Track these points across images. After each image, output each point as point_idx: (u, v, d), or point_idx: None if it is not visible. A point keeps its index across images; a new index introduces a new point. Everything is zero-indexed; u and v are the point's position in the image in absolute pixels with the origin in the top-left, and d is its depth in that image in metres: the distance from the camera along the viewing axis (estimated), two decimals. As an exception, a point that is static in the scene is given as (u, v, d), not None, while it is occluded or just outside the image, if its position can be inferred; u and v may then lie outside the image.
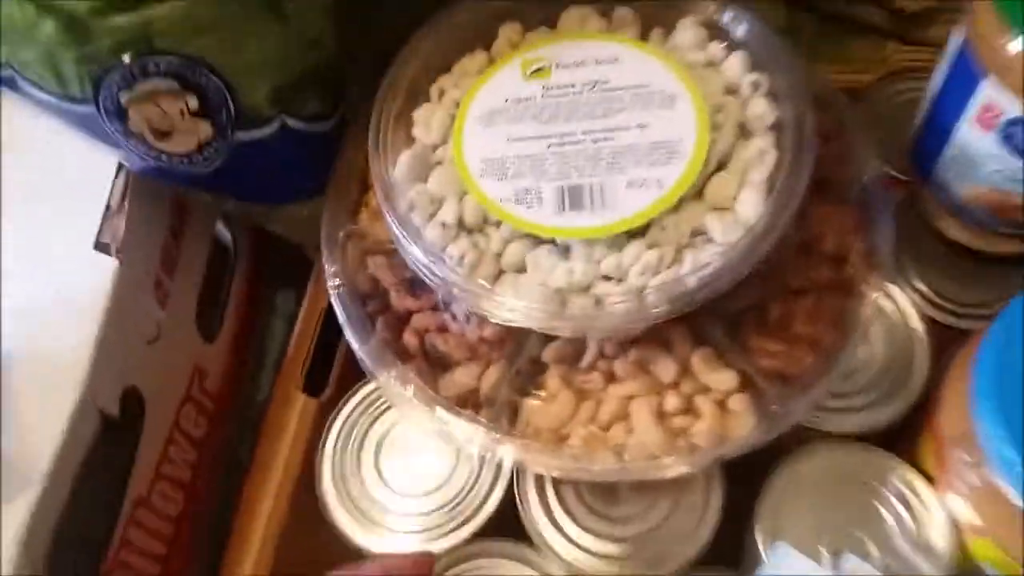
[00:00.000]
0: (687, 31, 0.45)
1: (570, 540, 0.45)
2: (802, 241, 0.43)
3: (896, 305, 0.49)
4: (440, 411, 0.42)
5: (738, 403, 0.41)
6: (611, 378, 0.42)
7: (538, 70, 0.44)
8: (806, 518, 0.43)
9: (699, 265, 0.39)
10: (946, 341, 0.46)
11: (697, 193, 0.41)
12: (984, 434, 0.38)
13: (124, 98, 0.45)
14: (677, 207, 0.40)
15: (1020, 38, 0.41)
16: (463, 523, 0.46)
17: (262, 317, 0.64)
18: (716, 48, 0.44)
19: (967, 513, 0.42)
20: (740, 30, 0.45)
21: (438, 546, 0.45)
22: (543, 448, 0.41)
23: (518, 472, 0.46)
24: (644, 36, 0.46)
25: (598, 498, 0.45)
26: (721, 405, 0.41)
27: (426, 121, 0.45)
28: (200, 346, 0.56)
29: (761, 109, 0.42)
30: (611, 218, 0.40)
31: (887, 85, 0.58)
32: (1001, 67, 0.42)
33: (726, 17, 0.45)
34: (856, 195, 0.45)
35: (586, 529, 0.45)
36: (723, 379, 0.41)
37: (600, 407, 0.41)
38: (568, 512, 0.45)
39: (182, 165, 0.48)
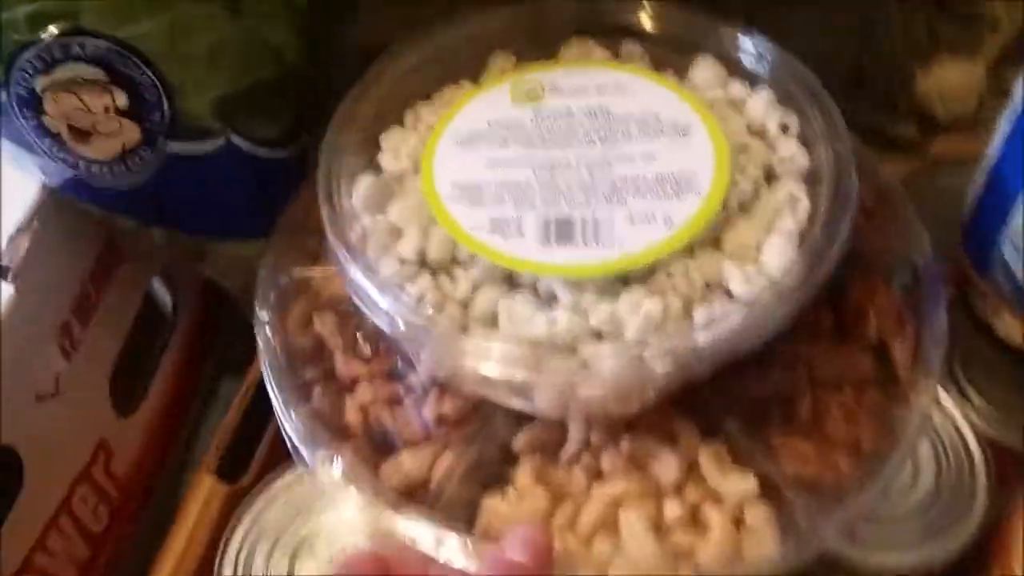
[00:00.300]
0: (705, 70, 0.39)
1: None
2: (838, 325, 0.36)
3: (949, 421, 0.41)
4: (378, 503, 0.34)
5: (757, 516, 0.32)
6: (597, 475, 0.34)
7: (530, 94, 0.38)
8: None
9: (712, 319, 0.31)
10: (1010, 466, 0.39)
11: (713, 241, 0.34)
12: None
13: (40, 83, 0.38)
14: (689, 252, 0.33)
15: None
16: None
17: (196, 401, 0.55)
18: (738, 86, 0.38)
19: None
20: (765, 66, 0.38)
21: None
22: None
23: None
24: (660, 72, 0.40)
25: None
26: (735, 518, 0.32)
27: (395, 148, 0.38)
28: (110, 418, 0.47)
29: (791, 151, 0.36)
30: (607, 255, 0.32)
31: (929, 175, 0.52)
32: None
33: (749, 52, 0.39)
34: (903, 280, 0.37)
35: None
36: (739, 484, 0.33)
37: (581, 511, 0.33)
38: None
39: (102, 175, 0.41)
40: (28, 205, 0.41)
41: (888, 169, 0.51)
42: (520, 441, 0.34)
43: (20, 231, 0.41)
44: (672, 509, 0.32)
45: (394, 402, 0.36)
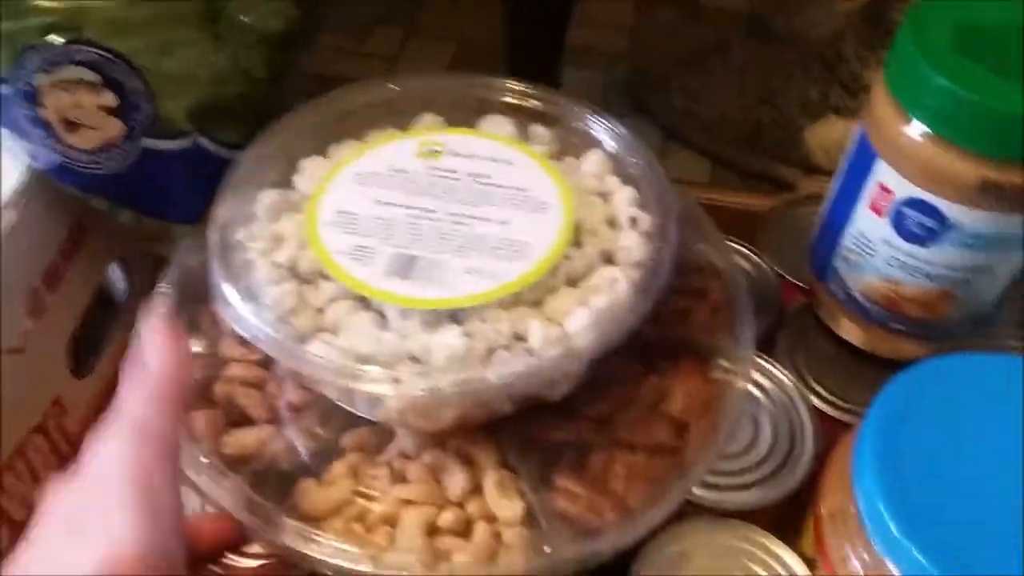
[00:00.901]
0: (592, 162, 0.46)
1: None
2: (653, 398, 0.42)
3: (787, 397, 0.50)
4: (209, 467, 0.40)
5: (514, 537, 0.38)
6: (400, 479, 0.40)
7: (432, 151, 0.45)
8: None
9: (504, 363, 0.38)
10: (834, 434, 0.46)
11: (534, 302, 0.40)
12: (866, 511, 0.39)
13: (42, 81, 0.45)
14: (507, 307, 0.39)
15: (908, 121, 0.43)
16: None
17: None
18: (612, 181, 0.45)
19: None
20: (640, 168, 0.45)
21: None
22: (295, 530, 0.38)
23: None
24: (558, 157, 0.47)
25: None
26: (496, 534, 0.39)
27: (310, 172, 0.45)
28: (66, 377, 0.55)
29: (632, 243, 0.42)
30: (431, 294, 0.39)
31: (792, 207, 0.62)
32: (892, 149, 0.44)
33: (632, 154, 0.46)
34: (721, 370, 0.44)
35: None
36: (508, 508, 0.39)
37: (373, 506, 0.39)
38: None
39: (86, 163, 0.48)
40: (15, 184, 0.49)
41: (767, 203, 0.62)
42: (346, 439, 0.40)
43: (8, 205, 0.48)
44: (447, 517, 0.38)
45: (255, 385, 0.42)
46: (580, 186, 0.44)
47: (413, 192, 0.43)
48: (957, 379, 0.42)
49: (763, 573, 0.42)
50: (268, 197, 0.43)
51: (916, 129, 0.43)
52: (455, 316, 0.39)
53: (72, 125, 0.47)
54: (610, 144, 0.46)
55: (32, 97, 0.46)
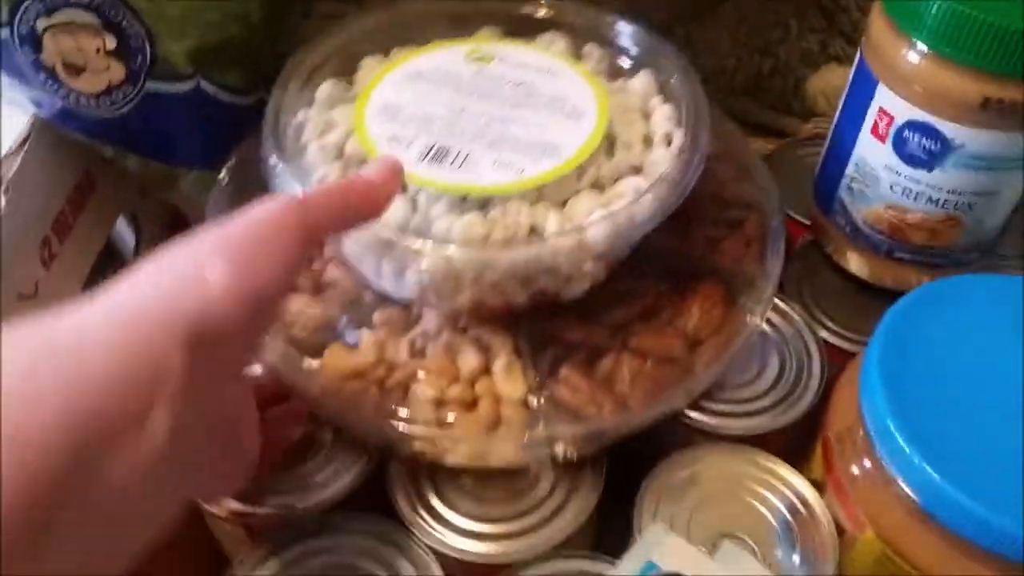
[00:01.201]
0: (640, 81, 0.48)
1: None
2: (669, 316, 0.44)
3: (794, 328, 0.49)
4: None
5: (513, 415, 0.40)
6: (419, 353, 0.42)
7: (482, 57, 0.47)
8: (687, 520, 0.41)
9: (517, 250, 0.39)
10: (841, 364, 0.47)
11: (558, 201, 0.42)
12: (873, 428, 0.39)
13: (41, 25, 0.46)
14: (531, 200, 0.41)
15: (907, 43, 0.42)
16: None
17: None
18: (655, 100, 0.47)
19: (851, 510, 0.41)
20: (682, 90, 0.47)
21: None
22: (322, 388, 0.41)
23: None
24: (612, 77, 0.49)
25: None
26: (498, 412, 0.40)
27: (369, 69, 0.48)
28: None
29: (661, 157, 0.44)
30: (461, 181, 0.41)
31: (794, 148, 0.63)
32: (892, 73, 0.44)
33: (677, 76, 0.48)
34: (744, 299, 0.45)
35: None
36: (511, 388, 0.40)
37: (392, 374, 0.41)
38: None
39: (89, 107, 0.48)
40: (21, 131, 0.48)
41: (770, 146, 0.61)
42: (377, 315, 0.43)
43: (13, 152, 0.47)
44: (454, 391, 0.40)
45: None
46: (626, 104, 0.46)
47: (457, 92, 0.45)
48: (958, 299, 0.43)
49: (771, 496, 0.42)
50: (327, 87, 0.46)
51: (915, 50, 0.43)
52: (480, 204, 0.41)
53: (75, 69, 0.47)
54: (657, 64, 0.48)
55: (33, 42, 0.46)
